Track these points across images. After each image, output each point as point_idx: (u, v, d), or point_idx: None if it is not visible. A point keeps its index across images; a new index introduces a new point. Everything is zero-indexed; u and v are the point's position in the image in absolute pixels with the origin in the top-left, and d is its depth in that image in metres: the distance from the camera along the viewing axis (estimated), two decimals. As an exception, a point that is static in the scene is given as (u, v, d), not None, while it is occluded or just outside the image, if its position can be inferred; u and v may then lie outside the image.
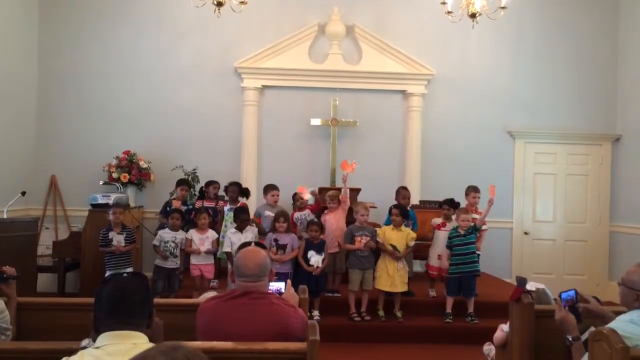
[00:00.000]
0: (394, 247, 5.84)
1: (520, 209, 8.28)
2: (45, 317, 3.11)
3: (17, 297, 3.06)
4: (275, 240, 5.84)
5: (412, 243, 5.98)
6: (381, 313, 5.94)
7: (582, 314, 3.03)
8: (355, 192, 6.98)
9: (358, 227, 5.95)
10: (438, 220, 6.34)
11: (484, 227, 6.27)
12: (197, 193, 7.24)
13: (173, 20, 7.99)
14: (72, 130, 7.84)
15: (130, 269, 5.74)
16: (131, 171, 7.42)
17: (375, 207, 6.76)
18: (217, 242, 6.13)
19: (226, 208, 6.55)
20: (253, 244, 2.91)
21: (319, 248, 5.83)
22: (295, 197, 6.55)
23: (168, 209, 6.54)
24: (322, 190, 6.92)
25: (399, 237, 5.90)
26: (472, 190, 6.51)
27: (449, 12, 6.40)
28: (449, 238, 5.98)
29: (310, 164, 7.97)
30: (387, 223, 6.20)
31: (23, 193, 6.55)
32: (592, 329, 2.82)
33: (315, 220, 6.17)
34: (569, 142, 8.27)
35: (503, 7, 6.23)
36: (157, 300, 2.57)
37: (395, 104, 8.18)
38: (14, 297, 3.04)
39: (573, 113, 8.29)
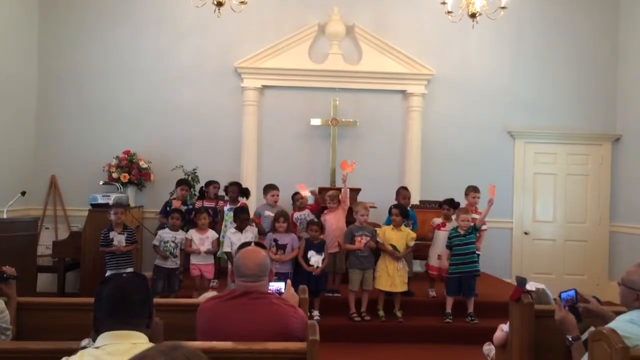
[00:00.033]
0: (394, 247, 5.84)
1: (520, 209, 8.28)
2: (45, 317, 3.11)
3: (17, 297, 3.06)
4: (275, 240, 5.83)
5: (412, 243, 5.98)
6: (381, 313, 5.94)
7: (582, 313, 3.03)
8: (355, 192, 6.98)
9: (358, 227, 5.95)
10: (438, 220, 6.34)
11: (483, 227, 6.27)
12: (197, 193, 7.24)
13: (173, 20, 7.99)
14: (72, 130, 7.84)
15: (130, 269, 5.73)
16: (131, 171, 7.43)
17: (375, 207, 6.76)
18: (218, 242, 6.13)
19: (226, 208, 6.55)
20: (253, 244, 2.91)
21: (319, 248, 5.83)
22: (295, 197, 6.55)
23: (168, 209, 6.54)
24: (322, 190, 6.92)
25: (399, 237, 5.90)
26: (471, 190, 6.51)
27: (449, 12, 6.40)
28: (449, 238, 5.98)
29: (310, 164, 7.97)
30: (387, 223, 6.20)
31: (23, 193, 6.54)
32: (592, 329, 2.82)
33: (315, 220, 6.16)
34: (569, 142, 8.27)
35: (503, 7, 6.23)
36: (157, 300, 2.57)
37: (395, 104, 8.18)
38: (14, 297, 3.04)
39: (573, 113, 8.29)
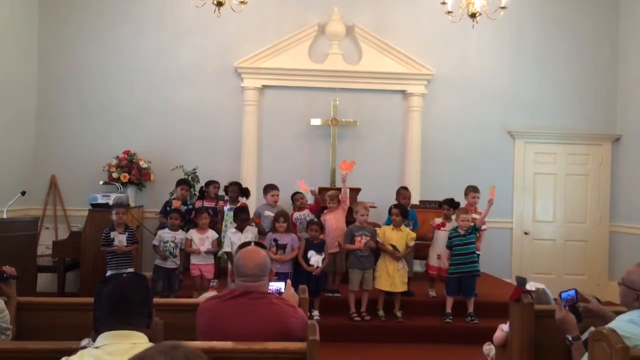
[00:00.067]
0: (394, 247, 5.83)
1: (520, 209, 8.28)
2: (45, 317, 3.11)
3: (17, 297, 3.06)
4: (275, 240, 5.84)
5: (412, 243, 5.98)
6: (381, 313, 5.94)
7: (583, 313, 3.02)
8: (355, 192, 6.97)
9: (358, 227, 5.95)
10: (438, 220, 6.33)
11: (483, 227, 6.27)
12: (197, 193, 7.24)
13: (173, 20, 7.99)
14: (72, 130, 7.84)
15: (131, 269, 5.74)
16: (131, 171, 7.42)
17: (375, 207, 6.76)
18: (218, 242, 6.13)
19: (226, 208, 6.55)
20: (253, 243, 2.90)
21: (319, 248, 5.83)
22: (295, 197, 6.54)
23: (168, 208, 6.54)
24: (322, 190, 6.91)
25: (399, 237, 5.90)
26: (471, 190, 6.51)
27: (449, 12, 6.40)
28: (449, 238, 5.98)
29: (310, 164, 7.97)
30: (387, 223, 6.20)
31: (23, 193, 6.54)
32: (592, 328, 2.82)
33: (315, 220, 6.16)
34: (569, 142, 8.27)
35: (503, 7, 6.23)
36: (157, 300, 2.57)
37: (395, 104, 8.18)
38: (14, 296, 3.03)
39: (573, 113, 8.29)
